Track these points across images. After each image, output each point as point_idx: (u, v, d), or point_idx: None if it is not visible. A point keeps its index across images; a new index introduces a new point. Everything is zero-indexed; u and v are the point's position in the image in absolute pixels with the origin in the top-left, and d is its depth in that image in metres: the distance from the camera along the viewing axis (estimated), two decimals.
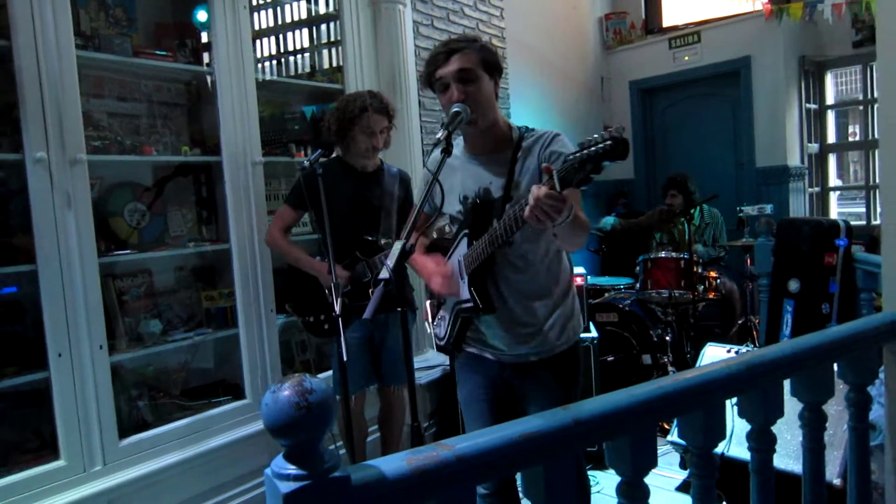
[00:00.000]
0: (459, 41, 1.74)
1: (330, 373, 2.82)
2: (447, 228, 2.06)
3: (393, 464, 0.84)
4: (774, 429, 1.35)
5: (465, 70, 1.67)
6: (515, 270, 1.78)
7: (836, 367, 1.55)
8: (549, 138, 1.73)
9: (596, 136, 1.25)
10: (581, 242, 1.66)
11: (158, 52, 2.61)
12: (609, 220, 5.13)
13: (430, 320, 2.04)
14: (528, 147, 1.75)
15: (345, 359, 2.03)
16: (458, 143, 1.86)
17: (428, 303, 2.06)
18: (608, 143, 1.22)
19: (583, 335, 3.25)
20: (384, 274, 1.33)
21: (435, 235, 2.20)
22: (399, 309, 1.64)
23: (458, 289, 1.79)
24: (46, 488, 2.07)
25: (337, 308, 2.06)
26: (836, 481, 2.25)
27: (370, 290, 2.52)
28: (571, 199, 1.38)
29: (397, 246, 1.38)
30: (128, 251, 2.50)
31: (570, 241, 1.66)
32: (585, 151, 1.25)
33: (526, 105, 4.84)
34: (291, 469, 0.75)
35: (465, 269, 1.77)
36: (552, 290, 1.83)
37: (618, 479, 1.13)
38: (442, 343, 1.96)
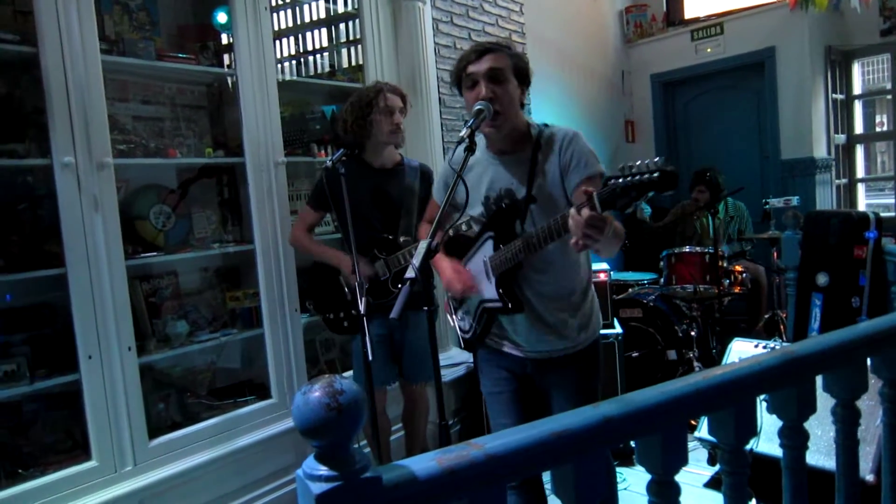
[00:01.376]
0: (493, 43, 1.78)
1: (352, 371, 2.84)
2: (464, 227, 2.06)
3: (423, 464, 0.84)
4: (805, 424, 1.33)
5: (496, 70, 1.70)
6: (539, 272, 1.80)
7: (869, 361, 1.51)
8: (568, 139, 1.74)
9: (641, 162, 1.24)
10: (616, 250, 1.67)
11: (181, 56, 2.64)
12: (647, 210, 5.05)
13: (453, 315, 2.06)
14: (547, 146, 1.76)
15: (370, 357, 2.04)
16: (480, 142, 1.86)
17: (447, 298, 2.07)
18: (655, 175, 1.21)
19: (608, 331, 3.24)
20: (410, 273, 1.33)
21: (451, 233, 2.20)
22: (425, 308, 1.64)
23: (478, 290, 1.83)
24: (79, 489, 2.10)
25: (362, 307, 2.07)
26: (870, 477, 2.21)
27: (394, 288, 2.53)
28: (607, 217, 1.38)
29: (423, 245, 1.39)
30: (154, 253, 2.53)
31: (608, 251, 1.67)
32: (630, 179, 1.25)
33: (547, 100, 4.81)
34: (323, 470, 0.75)
35: (493, 271, 1.80)
36: (574, 290, 1.85)
37: (645, 475, 1.12)
38: (468, 337, 1.98)
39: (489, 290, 1.83)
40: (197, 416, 2.60)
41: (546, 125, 1.82)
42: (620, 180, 1.26)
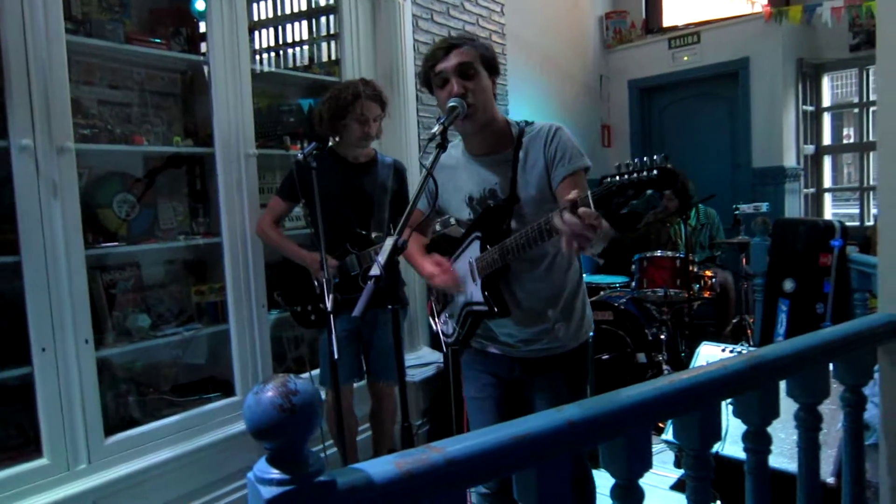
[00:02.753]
0: (458, 38, 1.73)
1: (318, 370, 2.80)
2: (438, 227, 2.04)
3: (381, 467, 0.81)
4: (769, 427, 1.33)
5: (466, 64, 1.66)
6: (527, 271, 1.77)
7: (831, 367, 1.53)
8: (552, 134, 1.70)
9: (638, 161, 1.21)
10: (601, 248, 1.62)
11: (152, 40, 2.57)
12: None
13: (436, 318, 2.00)
14: (530, 143, 1.72)
15: (335, 356, 2.00)
16: (458, 144, 1.84)
17: (431, 301, 2.03)
18: (654, 173, 1.17)
19: None
20: (375, 270, 1.30)
21: (433, 234, 2.18)
22: (390, 307, 1.61)
23: (463, 287, 1.78)
24: (29, 487, 2.02)
25: (329, 304, 2.03)
26: (831, 480, 2.24)
27: (363, 284, 2.49)
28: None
29: (389, 242, 1.35)
30: (116, 243, 2.46)
31: (596, 249, 1.62)
32: (627, 177, 1.21)
33: (525, 101, 4.82)
34: (275, 473, 0.72)
35: (479, 272, 1.75)
36: (563, 290, 1.81)
37: (610, 478, 1.11)
38: (450, 341, 1.93)
39: (475, 292, 1.77)
40: (157, 413, 2.53)
41: (527, 122, 1.77)
42: (617, 178, 1.23)
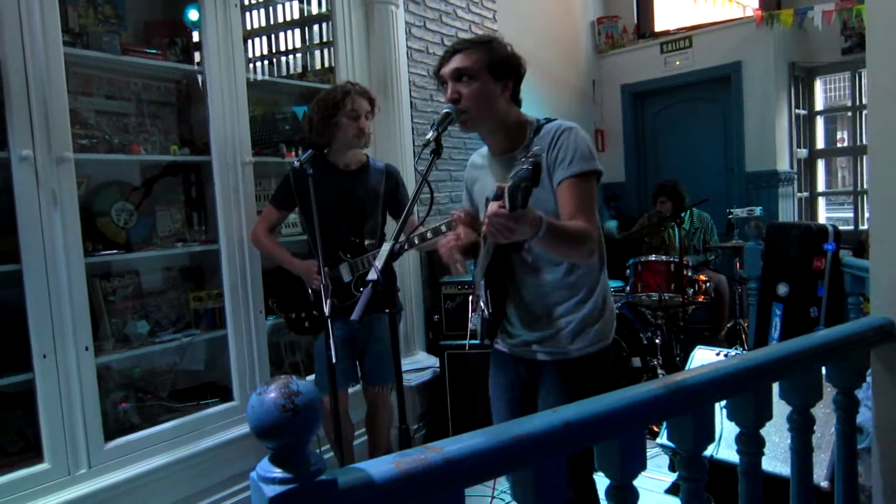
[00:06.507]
0: (466, 40, 1.73)
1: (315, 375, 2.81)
2: (443, 228, 2.03)
3: (381, 467, 0.83)
4: (762, 431, 1.35)
5: (460, 69, 1.66)
6: (530, 271, 1.73)
7: (823, 370, 1.55)
8: (559, 134, 1.67)
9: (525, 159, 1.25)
10: (575, 255, 1.61)
11: (148, 51, 2.59)
12: (612, 224, 5.12)
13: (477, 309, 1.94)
14: (538, 142, 1.67)
15: (333, 360, 2.02)
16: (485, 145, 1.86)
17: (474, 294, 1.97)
18: (529, 168, 1.22)
19: None
20: (372, 275, 1.32)
21: (419, 241, 2.16)
22: (386, 311, 1.63)
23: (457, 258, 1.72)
24: (30, 492, 2.04)
25: (326, 309, 2.05)
26: (824, 484, 2.26)
27: (356, 292, 2.51)
28: (530, 215, 1.34)
29: (385, 247, 1.38)
30: (115, 251, 2.47)
31: (561, 254, 1.62)
32: (513, 175, 1.25)
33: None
34: (277, 472, 0.74)
35: (481, 270, 1.72)
36: (570, 292, 1.74)
37: (606, 480, 1.13)
38: (490, 319, 1.84)
39: (481, 291, 1.76)
40: (156, 418, 2.54)
41: (548, 119, 1.75)
42: (511, 182, 1.27)
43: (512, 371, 1.85)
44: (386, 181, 2.65)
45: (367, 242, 2.54)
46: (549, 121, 1.75)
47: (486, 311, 1.77)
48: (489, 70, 1.68)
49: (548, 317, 1.74)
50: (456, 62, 1.67)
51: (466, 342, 2.06)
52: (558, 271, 1.72)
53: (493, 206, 1.30)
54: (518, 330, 1.79)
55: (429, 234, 2.11)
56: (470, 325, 1.94)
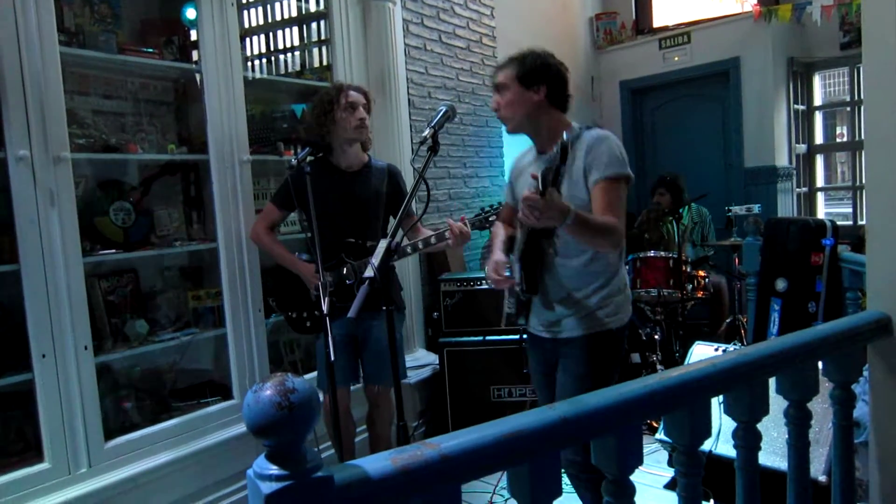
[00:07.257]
0: (507, 58, 2.00)
1: (316, 373, 2.81)
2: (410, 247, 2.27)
3: (377, 463, 0.83)
4: (760, 426, 1.36)
5: (497, 84, 1.97)
6: (558, 257, 1.94)
7: (821, 364, 1.55)
8: (595, 140, 1.86)
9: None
10: (601, 244, 1.81)
11: (145, 50, 2.59)
12: None
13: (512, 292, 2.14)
14: (577, 145, 1.88)
15: (332, 358, 2.02)
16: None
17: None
18: (559, 149, 1.49)
19: None
20: (369, 272, 1.32)
21: (423, 245, 2.32)
22: (384, 308, 1.63)
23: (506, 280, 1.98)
24: (30, 491, 2.04)
25: (325, 307, 2.05)
26: (822, 478, 2.26)
27: (356, 291, 2.51)
28: (560, 204, 1.55)
29: (382, 244, 1.38)
30: (113, 251, 2.47)
31: (589, 242, 1.81)
32: (548, 160, 1.48)
33: None
34: (274, 469, 0.75)
35: (518, 254, 1.95)
36: (592, 278, 1.94)
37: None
38: (524, 297, 2.03)
39: (517, 270, 1.96)
40: (156, 417, 2.54)
41: (588, 127, 1.94)
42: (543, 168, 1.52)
43: (541, 351, 2.07)
44: (388, 181, 2.65)
45: (369, 244, 2.54)
46: (588, 128, 1.94)
47: (520, 292, 1.96)
48: (520, 81, 1.92)
49: (570, 297, 1.95)
50: (496, 78, 1.98)
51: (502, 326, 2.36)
52: (582, 259, 1.92)
53: (527, 192, 1.51)
54: (543, 309, 2.00)
55: (433, 240, 2.27)
56: (506, 308, 2.13)
